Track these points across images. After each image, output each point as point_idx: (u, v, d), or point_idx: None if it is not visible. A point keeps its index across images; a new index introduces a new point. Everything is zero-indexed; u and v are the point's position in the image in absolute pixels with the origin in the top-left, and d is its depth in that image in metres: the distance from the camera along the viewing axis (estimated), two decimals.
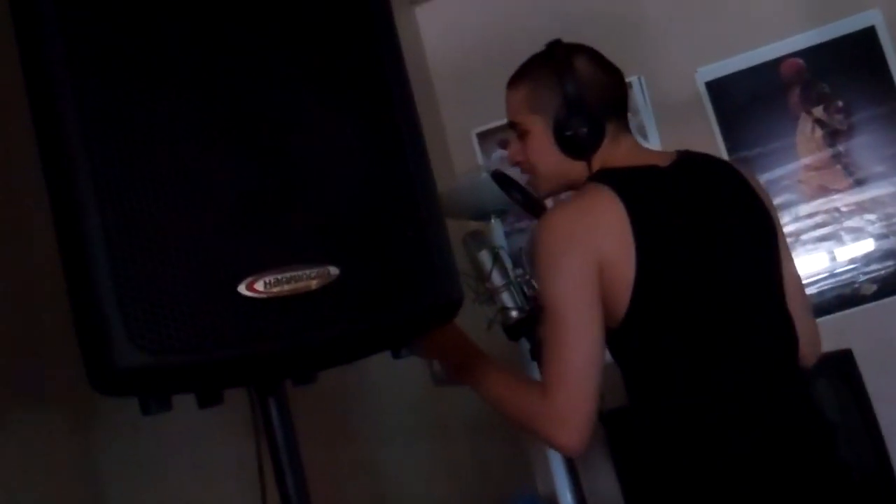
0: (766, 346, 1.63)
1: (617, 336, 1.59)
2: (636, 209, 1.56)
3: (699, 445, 1.58)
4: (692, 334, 1.58)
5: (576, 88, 1.67)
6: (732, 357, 1.59)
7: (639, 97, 3.49)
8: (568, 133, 1.68)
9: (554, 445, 1.55)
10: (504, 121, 1.83)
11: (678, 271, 1.58)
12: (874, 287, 3.32)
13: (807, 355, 1.74)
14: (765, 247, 1.69)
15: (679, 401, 1.60)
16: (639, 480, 1.67)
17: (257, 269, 1.09)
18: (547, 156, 1.72)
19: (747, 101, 3.45)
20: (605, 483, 2.99)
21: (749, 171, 1.81)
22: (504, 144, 1.83)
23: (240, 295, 1.08)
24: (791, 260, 1.77)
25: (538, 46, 1.78)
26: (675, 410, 1.60)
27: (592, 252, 1.54)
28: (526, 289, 1.90)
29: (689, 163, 1.71)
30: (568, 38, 1.79)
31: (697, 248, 1.60)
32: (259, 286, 1.09)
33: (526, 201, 2.03)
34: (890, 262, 3.31)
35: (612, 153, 1.69)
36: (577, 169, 1.69)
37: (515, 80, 1.78)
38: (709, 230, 1.62)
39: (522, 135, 1.76)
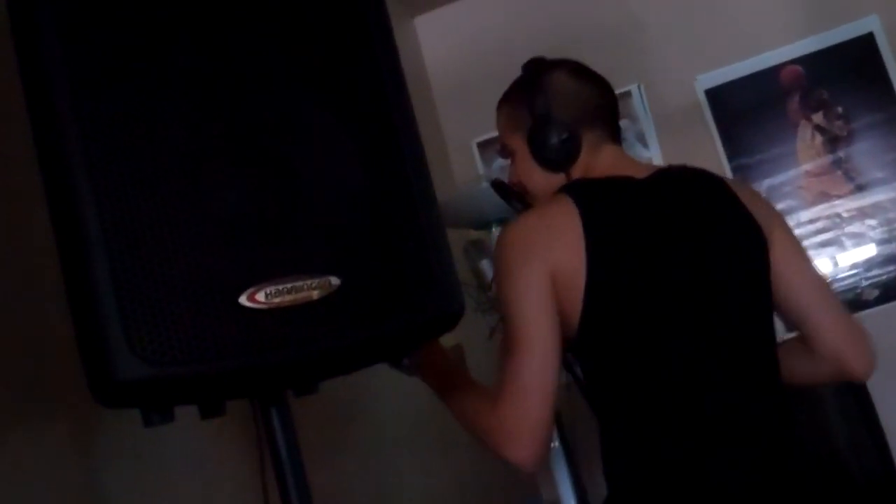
0: (731, 365, 1.58)
1: (573, 349, 1.57)
2: (592, 220, 1.54)
3: (647, 468, 1.55)
4: (642, 350, 1.55)
5: (544, 102, 1.67)
6: (685, 377, 1.55)
7: (638, 105, 3.49)
8: (539, 146, 1.69)
9: (504, 458, 1.51)
10: None
11: (630, 284, 1.55)
12: (876, 292, 3.32)
13: (856, 357, 1.68)
14: (747, 263, 1.65)
15: (624, 419, 1.57)
16: (613, 494, 1.63)
17: (258, 280, 1.10)
18: (531, 173, 1.73)
19: (747, 108, 3.45)
20: None
21: (745, 186, 1.77)
22: (504, 154, 1.83)
23: (241, 306, 1.08)
24: (806, 263, 1.72)
25: (538, 54, 1.79)
26: (625, 431, 1.57)
27: (545, 263, 1.53)
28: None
29: (670, 175, 1.68)
30: (566, 47, 1.80)
31: (657, 261, 1.57)
32: (260, 297, 1.09)
33: (526, 210, 2.03)
34: (892, 267, 3.31)
35: (592, 164, 1.69)
36: (561, 182, 1.69)
37: (500, 103, 1.80)
38: (675, 245, 1.59)
39: (510, 155, 1.77)
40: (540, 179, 1.72)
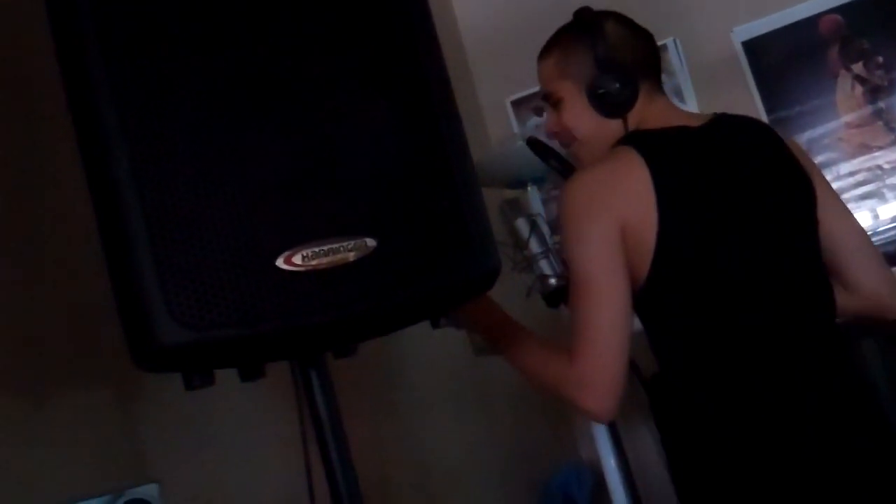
0: (796, 312, 1.60)
1: (640, 300, 1.57)
2: (660, 171, 1.54)
3: (719, 414, 1.56)
4: (712, 300, 1.56)
5: (606, 48, 1.67)
6: (754, 323, 1.56)
7: (674, 59, 3.44)
8: (601, 91, 1.68)
9: (582, 411, 1.54)
10: (539, 87, 1.82)
11: (700, 235, 1.56)
12: None
13: (888, 297, 1.71)
14: (801, 211, 1.67)
15: (697, 369, 1.58)
16: (682, 446, 1.64)
17: (295, 243, 1.10)
18: (583, 120, 1.72)
19: (785, 59, 3.39)
20: (649, 449, 2.99)
21: (788, 136, 1.79)
22: (539, 112, 1.82)
23: (278, 269, 1.08)
24: (847, 217, 1.75)
25: (570, 12, 1.77)
26: (695, 378, 1.59)
27: (614, 215, 1.54)
28: (564, 256, 1.89)
29: (723, 124, 1.69)
30: (602, 3, 1.78)
31: (722, 211, 1.58)
32: (297, 259, 1.09)
33: (562, 168, 2.01)
34: None
35: (646, 114, 1.69)
36: (614, 130, 1.68)
37: (545, 51, 1.78)
38: (737, 193, 1.60)
39: (556, 103, 1.76)
40: (591, 126, 1.72)
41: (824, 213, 1.69)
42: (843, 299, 1.70)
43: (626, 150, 1.60)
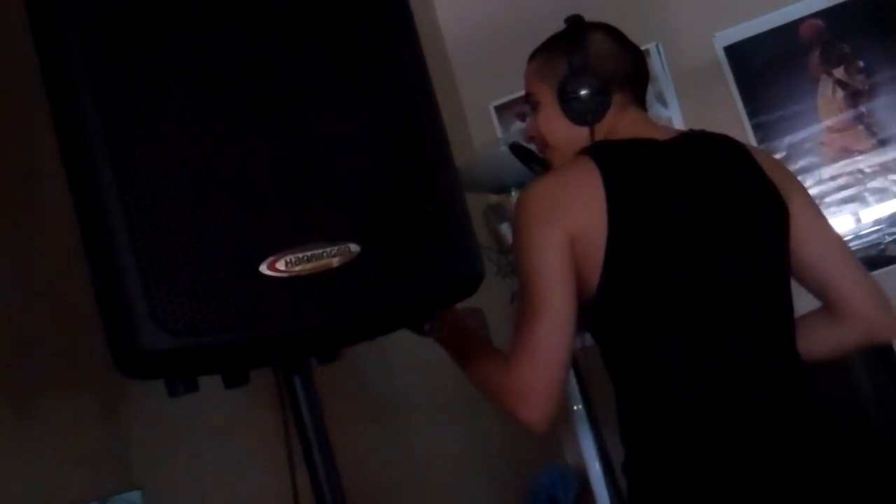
0: (748, 331, 1.58)
1: (589, 312, 1.57)
2: (613, 182, 1.54)
3: (662, 430, 1.55)
4: (662, 314, 1.55)
5: (582, 56, 1.69)
6: (704, 340, 1.55)
7: (657, 64, 3.46)
8: (571, 97, 1.69)
9: (518, 421, 1.52)
10: (522, 92, 1.84)
11: (651, 247, 1.54)
12: None
13: (876, 315, 1.69)
14: (767, 229, 1.65)
15: (643, 384, 1.57)
16: (633, 461, 1.63)
17: (278, 249, 1.10)
18: (555, 125, 1.73)
19: (767, 64, 3.41)
20: None
21: (766, 154, 1.79)
22: (522, 117, 1.83)
23: (262, 275, 1.08)
24: (827, 229, 1.74)
25: (554, 16, 1.78)
26: (641, 393, 1.58)
27: (565, 224, 1.53)
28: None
29: (692, 139, 1.69)
30: (586, 7, 1.79)
31: (676, 225, 1.57)
32: (280, 265, 1.09)
33: (545, 173, 2.02)
34: None
35: (617, 125, 1.69)
36: (584, 138, 1.69)
37: (534, 53, 1.81)
38: (696, 208, 1.59)
39: (535, 106, 1.77)
40: (563, 133, 1.72)
41: (806, 232, 1.69)
42: (835, 335, 1.71)
43: (582, 160, 1.60)
